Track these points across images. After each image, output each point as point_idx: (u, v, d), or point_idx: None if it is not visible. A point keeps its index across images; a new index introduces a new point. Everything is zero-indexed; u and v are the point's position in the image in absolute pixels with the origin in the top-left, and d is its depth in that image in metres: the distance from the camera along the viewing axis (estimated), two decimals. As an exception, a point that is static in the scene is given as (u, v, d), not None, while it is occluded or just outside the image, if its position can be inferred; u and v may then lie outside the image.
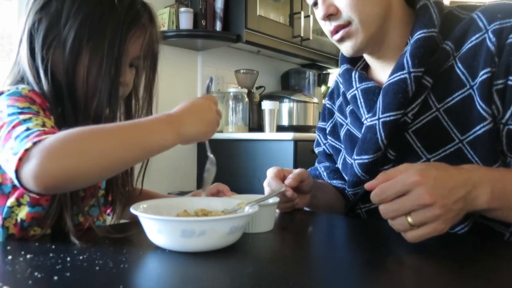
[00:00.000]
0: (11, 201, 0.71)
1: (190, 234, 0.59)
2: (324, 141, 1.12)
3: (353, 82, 0.94)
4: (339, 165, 1.06)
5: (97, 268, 0.54)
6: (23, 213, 0.71)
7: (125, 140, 0.61)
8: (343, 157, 1.03)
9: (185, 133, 0.67)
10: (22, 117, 0.63)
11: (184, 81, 2.35)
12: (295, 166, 1.96)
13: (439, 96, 0.81)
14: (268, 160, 2.03)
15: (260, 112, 2.35)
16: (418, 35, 0.82)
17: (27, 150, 0.56)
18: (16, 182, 0.58)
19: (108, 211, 0.92)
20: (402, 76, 0.81)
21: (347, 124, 1.00)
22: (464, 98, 0.79)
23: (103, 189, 0.84)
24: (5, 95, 0.69)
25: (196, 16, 2.13)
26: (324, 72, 2.93)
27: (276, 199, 0.79)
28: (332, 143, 1.08)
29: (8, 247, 0.64)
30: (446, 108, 0.80)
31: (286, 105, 2.41)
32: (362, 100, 0.91)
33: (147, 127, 0.65)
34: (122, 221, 0.88)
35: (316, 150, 1.17)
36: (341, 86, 1.03)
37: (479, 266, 0.59)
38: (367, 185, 0.67)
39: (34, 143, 0.57)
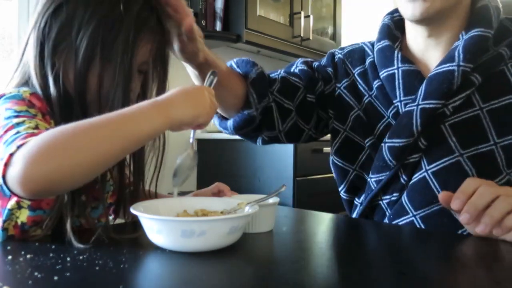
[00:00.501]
0: (11, 203, 0.70)
1: (190, 234, 0.59)
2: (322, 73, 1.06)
3: (395, 61, 0.92)
4: (343, 127, 1.04)
5: (97, 268, 0.54)
6: (23, 216, 0.71)
7: (110, 132, 0.58)
8: (353, 121, 1.01)
9: (175, 116, 0.64)
10: (15, 120, 0.62)
11: (184, 81, 2.34)
12: (295, 166, 1.96)
13: (485, 96, 0.83)
14: (268, 160, 2.03)
15: (260, 112, 2.35)
16: (474, 32, 0.83)
17: (11, 155, 0.54)
18: (5, 188, 0.56)
19: (110, 211, 0.91)
20: (450, 68, 0.82)
21: (370, 96, 0.98)
22: (511, 103, 0.82)
23: (107, 192, 0.83)
24: (5, 98, 0.68)
25: (196, 16, 2.13)
26: (324, 72, 2.93)
27: (276, 199, 0.79)
28: (348, 100, 1.01)
29: (8, 247, 0.64)
30: (490, 109, 0.83)
31: (286, 105, 2.41)
32: (401, 81, 0.90)
33: (133, 114, 0.61)
34: (119, 221, 0.88)
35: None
36: (368, 57, 1.01)
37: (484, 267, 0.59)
38: (442, 198, 0.71)
39: (18, 147, 0.55)
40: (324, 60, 1.10)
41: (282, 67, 1.20)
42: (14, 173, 0.54)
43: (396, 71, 0.91)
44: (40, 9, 0.73)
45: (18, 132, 0.59)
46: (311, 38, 2.56)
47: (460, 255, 0.65)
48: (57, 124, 0.69)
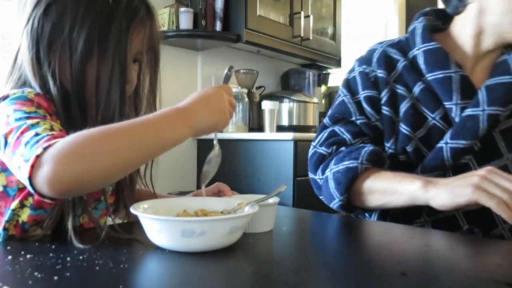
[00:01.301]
0: (15, 203, 0.71)
1: (190, 234, 0.59)
2: (372, 111, 1.01)
3: (451, 64, 0.93)
4: (389, 140, 0.99)
5: (97, 268, 0.54)
6: (25, 215, 0.71)
7: (137, 138, 0.61)
8: (398, 132, 0.98)
9: (197, 125, 0.67)
10: (29, 122, 0.63)
11: (184, 81, 2.35)
12: (295, 166, 1.96)
13: None
14: (268, 160, 2.03)
15: (260, 112, 2.35)
16: None
17: (38, 156, 0.56)
18: (30, 189, 0.57)
19: (110, 211, 0.91)
20: (510, 80, 0.91)
21: (410, 97, 0.97)
22: None
23: (108, 192, 0.83)
24: (11, 99, 0.68)
25: (196, 16, 2.13)
26: (324, 72, 2.93)
27: (276, 199, 0.79)
28: (389, 114, 0.99)
29: (8, 247, 0.64)
30: None
31: (286, 105, 2.41)
32: (459, 85, 0.92)
33: (159, 123, 0.63)
34: (118, 221, 0.88)
35: (341, 122, 1.06)
36: (399, 61, 1.00)
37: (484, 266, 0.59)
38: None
39: (45, 149, 0.56)
40: (361, 86, 1.05)
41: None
42: (44, 172, 0.55)
43: (453, 74, 0.93)
44: (30, 10, 0.73)
45: (37, 134, 0.60)
46: (311, 38, 2.56)
47: (461, 255, 0.65)
48: (63, 124, 0.69)
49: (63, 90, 0.73)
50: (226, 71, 0.82)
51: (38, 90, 0.72)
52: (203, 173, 0.81)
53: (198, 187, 2.37)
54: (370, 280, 0.53)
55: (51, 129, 0.63)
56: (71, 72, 0.72)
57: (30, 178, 0.56)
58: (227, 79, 0.82)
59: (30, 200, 0.71)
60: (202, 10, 2.13)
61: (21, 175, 0.58)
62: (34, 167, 0.56)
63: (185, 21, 2.10)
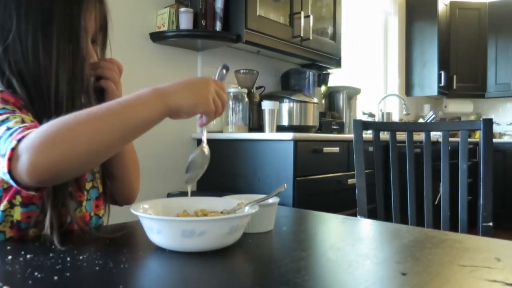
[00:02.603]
0: (3, 204, 0.71)
1: (190, 234, 0.59)
2: None
3: None
4: None
5: (97, 268, 0.54)
6: (17, 214, 0.71)
7: (110, 119, 0.59)
8: None
9: (173, 103, 0.64)
10: None
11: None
12: (295, 166, 1.96)
13: None
14: (268, 160, 2.03)
15: (260, 112, 2.35)
16: None
17: (13, 149, 0.56)
18: (11, 182, 0.58)
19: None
20: None
21: None
22: None
23: (90, 181, 0.83)
24: None
25: (196, 16, 2.13)
26: (324, 72, 2.93)
27: (276, 199, 0.79)
28: None
29: (8, 247, 0.64)
30: None
31: (286, 105, 2.41)
32: None
33: (131, 102, 0.62)
34: (119, 221, 0.88)
35: None
36: None
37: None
38: None
39: (19, 140, 0.57)
40: None
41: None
42: (22, 164, 0.56)
43: None
44: None
45: (8, 128, 0.60)
46: (311, 38, 2.56)
47: (461, 255, 0.65)
48: (34, 115, 0.69)
49: (26, 85, 0.72)
50: (220, 69, 0.79)
51: (1, 87, 0.71)
52: (186, 181, 0.77)
53: (198, 187, 2.38)
54: (370, 280, 0.53)
55: (22, 121, 0.63)
56: (26, 63, 0.72)
57: (10, 172, 0.57)
58: (221, 77, 0.78)
59: (19, 198, 0.71)
60: (202, 10, 2.13)
61: (1, 170, 0.58)
62: (11, 160, 0.56)
63: (185, 21, 2.10)
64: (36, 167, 0.56)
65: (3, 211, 0.71)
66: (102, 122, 0.59)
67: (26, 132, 0.58)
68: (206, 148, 0.77)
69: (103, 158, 0.64)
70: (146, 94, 0.63)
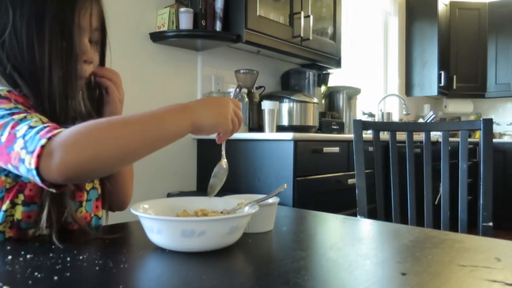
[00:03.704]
0: (6, 204, 0.71)
1: (190, 234, 0.59)
2: None
3: None
4: None
5: (97, 268, 0.54)
6: (18, 213, 0.71)
7: (141, 127, 0.63)
8: None
9: (197, 121, 0.69)
10: (16, 117, 0.63)
11: (184, 81, 2.34)
12: (295, 166, 1.96)
13: None
14: (268, 160, 2.03)
15: (260, 112, 2.35)
16: None
17: (43, 147, 0.58)
18: (36, 179, 0.59)
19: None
20: None
21: None
22: None
23: (91, 182, 0.83)
24: None
25: (196, 16, 2.13)
26: (324, 72, 2.93)
27: (276, 199, 0.79)
28: None
29: (8, 247, 0.64)
30: None
31: (286, 105, 2.41)
32: None
33: (161, 115, 0.66)
34: (119, 221, 0.89)
35: None
36: None
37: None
38: None
39: (49, 139, 0.58)
40: None
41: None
42: (53, 160, 0.57)
43: None
44: None
45: (31, 127, 0.61)
46: (311, 38, 2.56)
47: (461, 255, 0.65)
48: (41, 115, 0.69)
49: (26, 81, 0.72)
50: (235, 88, 0.86)
51: (7, 87, 0.71)
52: (210, 185, 0.81)
53: (198, 187, 2.38)
54: (370, 280, 0.53)
55: (42, 121, 0.64)
56: (22, 59, 0.72)
57: (37, 168, 0.58)
58: (236, 96, 0.85)
59: (21, 197, 0.71)
60: (202, 10, 2.13)
61: (24, 167, 0.59)
62: (40, 157, 0.58)
63: (185, 21, 2.10)
64: (67, 165, 0.58)
65: (5, 211, 0.71)
66: (132, 130, 0.62)
67: (56, 131, 0.60)
68: (225, 163, 0.83)
69: (127, 163, 0.68)
70: (174, 109, 0.68)
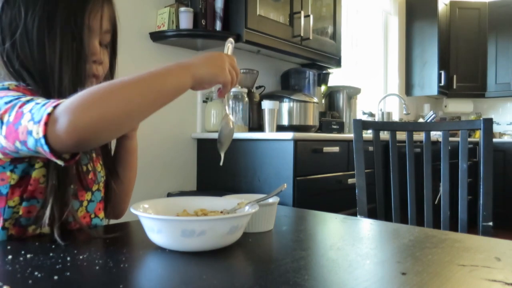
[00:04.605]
0: (13, 200, 0.71)
1: (190, 233, 0.59)
2: None
3: None
4: None
5: (97, 267, 0.54)
6: (21, 208, 0.72)
7: (144, 85, 0.64)
8: None
9: (196, 74, 0.71)
10: (23, 99, 0.64)
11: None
12: (295, 166, 1.96)
13: None
14: (268, 159, 2.03)
15: (260, 111, 2.35)
16: None
17: (49, 114, 0.58)
18: (44, 148, 0.58)
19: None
20: None
21: None
22: None
23: (97, 183, 0.84)
24: None
25: (196, 15, 2.13)
26: (324, 71, 2.93)
27: (276, 199, 0.79)
28: None
29: (9, 247, 0.64)
30: None
31: (286, 105, 2.41)
32: None
33: (162, 72, 0.67)
34: (117, 221, 0.89)
35: None
36: None
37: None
38: None
39: (55, 107, 0.58)
40: None
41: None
42: (61, 124, 0.57)
43: None
44: None
45: (37, 103, 0.61)
46: (311, 37, 2.56)
47: (461, 255, 0.65)
48: None
49: (35, 80, 0.73)
50: (227, 44, 0.85)
51: (16, 82, 0.73)
52: (219, 140, 0.84)
53: (198, 187, 2.38)
54: (370, 280, 0.53)
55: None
56: (33, 59, 0.73)
57: (45, 136, 0.57)
58: (227, 50, 0.85)
59: (26, 192, 0.71)
60: (202, 10, 2.13)
61: (32, 139, 0.59)
62: (48, 124, 0.57)
63: (185, 20, 2.10)
64: (76, 126, 0.57)
65: (13, 207, 0.71)
66: (136, 87, 0.63)
67: (60, 101, 0.60)
68: (230, 119, 0.84)
69: (137, 121, 0.67)
70: (172, 66, 0.69)
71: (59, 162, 0.62)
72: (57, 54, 0.72)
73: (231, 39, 0.87)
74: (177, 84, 0.68)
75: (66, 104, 0.58)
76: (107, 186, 0.89)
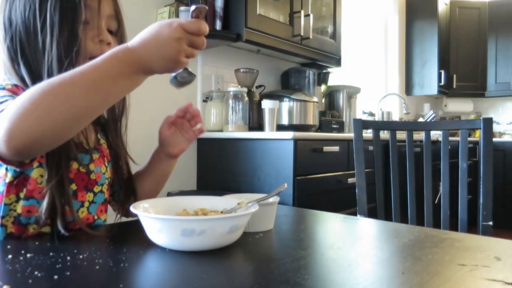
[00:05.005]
0: (9, 198, 0.71)
1: (190, 233, 0.59)
2: None
3: None
4: None
5: (97, 267, 0.54)
6: (19, 207, 0.72)
7: (90, 87, 0.58)
8: None
9: (150, 71, 0.64)
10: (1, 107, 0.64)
11: None
12: (295, 165, 1.96)
13: None
14: (268, 159, 2.03)
15: (260, 111, 2.35)
16: None
17: None
18: None
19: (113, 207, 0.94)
20: None
21: None
22: None
23: (100, 185, 0.84)
24: None
25: (196, 15, 2.13)
26: (324, 71, 2.93)
27: (276, 198, 0.79)
28: None
29: (8, 246, 0.64)
30: None
31: (286, 104, 2.41)
32: None
33: (111, 71, 0.61)
34: (117, 221, 0.89)
35: None
36: None
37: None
38: None
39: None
40: None
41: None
42: (0, 135, 0.55)
43: None
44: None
45: (2, 110, 0.60)
46: (311, 37, 2.56)
47: (461, 254, 0.65)
48: None
49: (34, 76, 0.73)
50: (190, 9, 0.70)
51: (15, 81, 0.73)
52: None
53: (198, 186, 2.38)
54: (370, 279, 0.53)
55: None
56: (29, 45, 0.72)
57: None
58: (191, 16, 0.72)
59: (24, 191, 0.71)
60: (202, 9, 2.13)
61: None
62: None
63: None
64: (12, 135, 0.55)
65: (9, 204, 0.71)
66: (79, 89, 0.58)
67: (7, 103, 0.59)
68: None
69: (81, 124, 0.62)
70: (121, 63, 0.62)
71: (11, 167, 0.62)
72: (47, 24, 0.71)
73: (198, 6, 0.72)
74: (129, 86, 0.63)
75: (7, 110, 0.56)
76: (114, 187, 0.90)
